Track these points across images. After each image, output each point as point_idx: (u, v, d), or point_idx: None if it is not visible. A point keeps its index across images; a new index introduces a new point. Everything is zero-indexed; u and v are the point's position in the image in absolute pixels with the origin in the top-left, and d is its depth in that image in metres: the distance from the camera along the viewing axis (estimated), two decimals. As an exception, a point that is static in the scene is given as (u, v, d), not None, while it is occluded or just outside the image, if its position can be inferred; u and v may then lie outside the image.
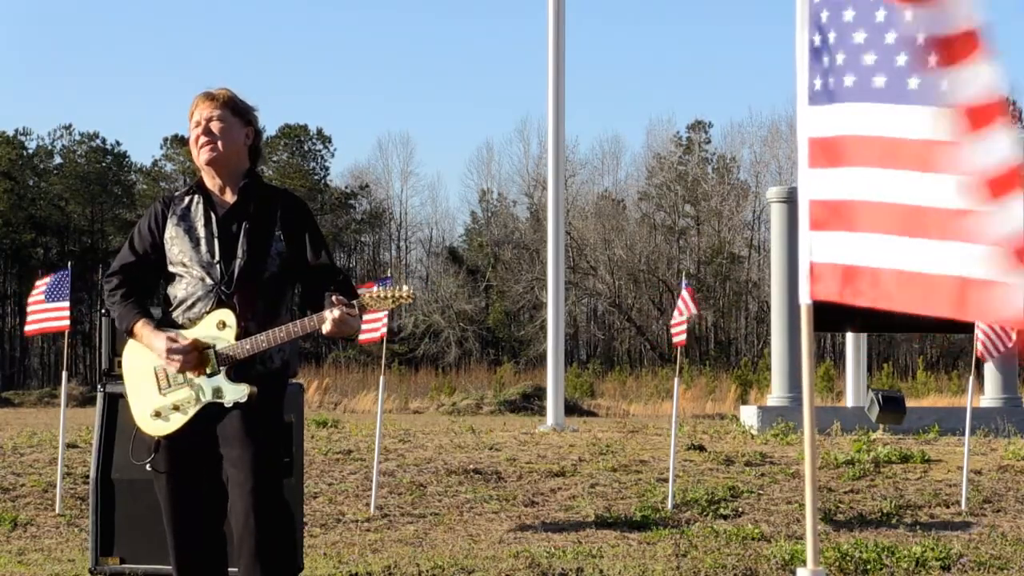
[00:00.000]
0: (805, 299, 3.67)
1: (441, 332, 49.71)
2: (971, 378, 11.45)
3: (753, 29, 71.83)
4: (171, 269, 5.02)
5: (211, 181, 5.06)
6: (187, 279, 4.97)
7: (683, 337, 11.20)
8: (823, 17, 3.58)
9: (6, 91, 70.78)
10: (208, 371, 4.89)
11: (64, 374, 11.10)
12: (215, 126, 4.99)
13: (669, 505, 10.40)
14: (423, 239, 58.05)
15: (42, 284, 10.55)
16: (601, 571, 7.47)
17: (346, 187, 57.81)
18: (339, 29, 75.43)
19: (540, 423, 17.91)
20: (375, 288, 4.91)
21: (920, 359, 42.60)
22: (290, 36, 75.42)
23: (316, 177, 56.98)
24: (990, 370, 18.88)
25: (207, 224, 4.99)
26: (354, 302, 4.82)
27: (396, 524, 9.71)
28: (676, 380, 12.02)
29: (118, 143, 58.01)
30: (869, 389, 18.76)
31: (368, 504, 10.32)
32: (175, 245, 5.00)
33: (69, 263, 11.14)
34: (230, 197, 5.04)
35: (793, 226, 17.28)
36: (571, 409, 26.63)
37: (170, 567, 5.11)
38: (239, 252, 4.95)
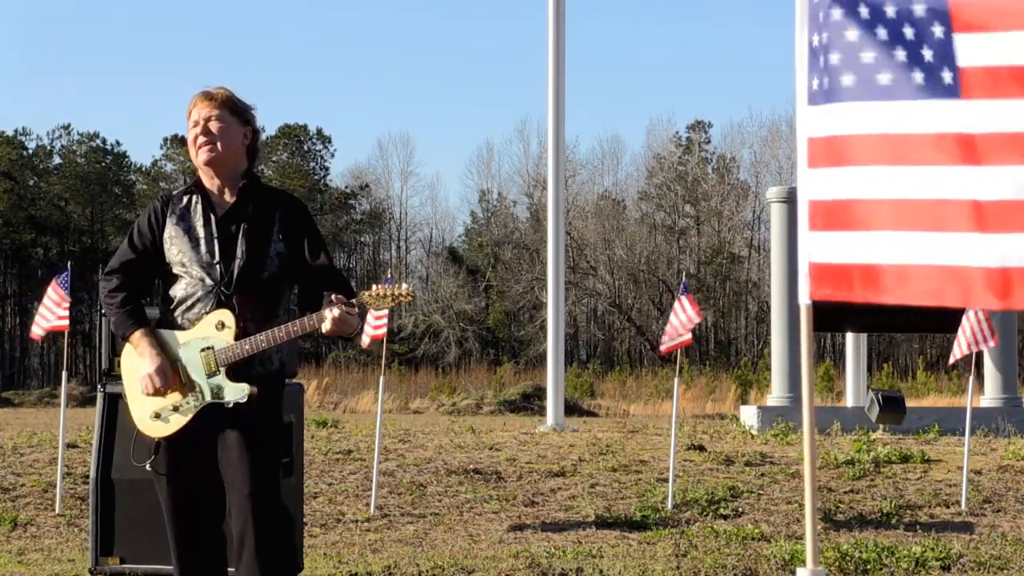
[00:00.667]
0: (805, 299, 3.67)
1: (441, 332, 49.70)
2: (971, 378, 11.46)
3: (753, 29, 71.92)
4: (170, 269, 5.01)
5: (209, 181, 5.06)
6: (186, 279, 4.97)
7: (670, 344, 10.80)
8: (820, 16, 3.58)
9: (6, 91, 70.85)
10: (208, 372, 4.89)
11: (64, 374, 11.10)
12: (214, 126, 4.99)
13: (669, 505, 10.39)
14: (423, 239, 58.10)
15: (56, 289, 10.44)
16: (601, 571, 7.47)
17: (346, 187, 57.82)
18: (339, 29, 75.51)
19: (540, 423, 17.90)
20: (375, 287, 4.91)
21: (920, 359, 42.60)
22: (290, 36, 75.51)
23: (316, 177, 56.97)
24: (990, 370, 18.88)
25: (206, 224, 4.99)
26: (353, 300, 4.82)
27: (396, 524, 9.71)
28: (676, 380, 12.01)
29: (118, 143, 58.16)
30: (869, 389, 18.76)
31: (368, 504, 10.32)
32: (174, 245, 5.00)
33: (69, 263, 11.13)
34: (229, 197, 5.04)
35: (793, 226, 17.27)
36: (571, 409, 26.63)
37: (170, 567, 5.12)
38: (238, 253, 4.94)
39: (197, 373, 4.91)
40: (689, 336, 10.73)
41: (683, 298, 10.78)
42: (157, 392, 4.91)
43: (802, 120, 3.64)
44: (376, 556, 8.11)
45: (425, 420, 23.93)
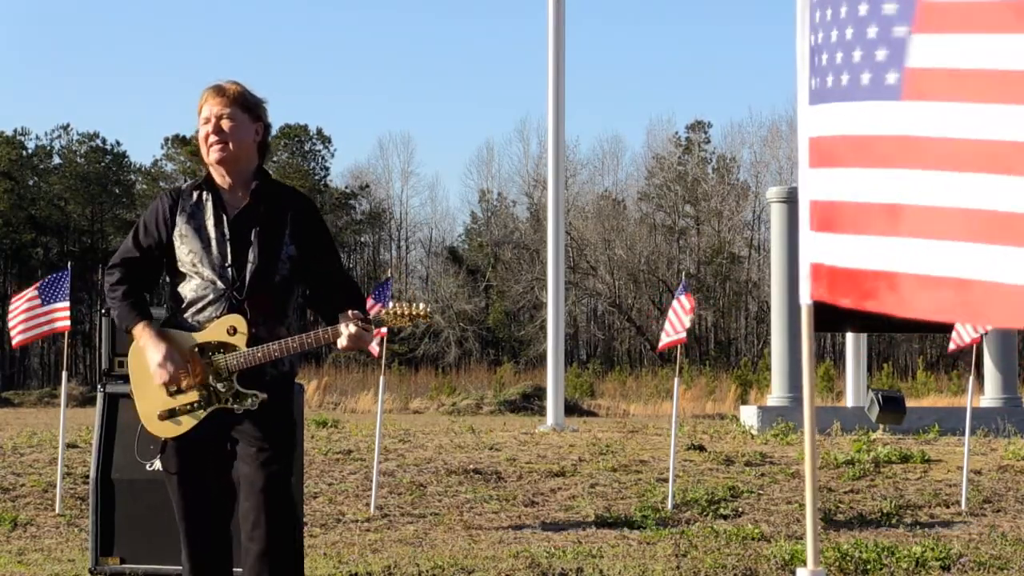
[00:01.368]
0: (805, 299, 3.66)
1: (441, 332, 49.70)
2: (971, 378, 11.46)
3: (753, 29, 71.93)
4: (179, 268, 4.96)
5: (220, 179, 5.00)
6: (197, 280, 4.92)
7: (665, 342, 10.98)
8: (820, 15, 3.57)
9: (6, 91, 70.82)
10: (219, 377, 4.88)
11: (64, 374, 11.10)
12: (225, 124, 4.92)
13: (669, 505, 10.39)
14: (423, 239, 58.08)
15: (20, 297, 10.49)
16: (601, 571, 7.47)
17: (346, 187, 57.82)
18: (339, 29, 75.50)
19: (540, 423, 17.91)
20: (391, 304, 4.93)
21: (920, 359, 42.59)
22: (290, 36, 75.48)
23: (316, 177, 56.95)
24: (990, 370, 18.89)
25: (218, 225, 4.93)
26: (370, 317, 4.83)
27: (396, 524, 9.71)
28: (676, 380, 12.01)
29: (118, 143, 58.08)
30: (869, 389, 18.77)
31: (368, 504, 10.33)
32: (184, 244, 4.94)
33: (69, 263, 11.13)
34: (240, 196, 4.98)
35: (793, 226, 17.28)
36: (571, 409, 26.64)
37: (170, 567, 5.11)
38: (251, 257, 4.89)
39: (208, 377, 4.90)
40: (684, 334, 10.80)
41: (681, 297, 10.86)
42: (172, 379, 4.88)
43: (803, 120, 3.64)
44: (376, 556, 8.11)
45: (425, 420, 23.94)
